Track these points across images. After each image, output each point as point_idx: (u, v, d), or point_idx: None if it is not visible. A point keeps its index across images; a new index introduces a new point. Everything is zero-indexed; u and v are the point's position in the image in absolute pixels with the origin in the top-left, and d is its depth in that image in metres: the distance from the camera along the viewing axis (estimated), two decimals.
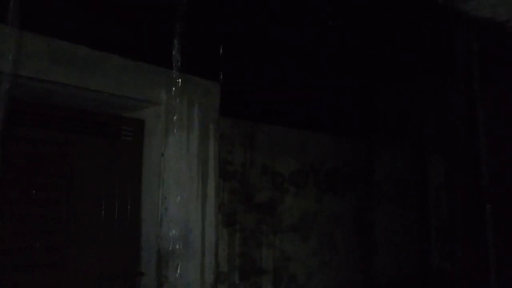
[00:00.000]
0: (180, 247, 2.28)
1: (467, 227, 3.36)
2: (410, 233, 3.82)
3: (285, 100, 3.00)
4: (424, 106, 3.91)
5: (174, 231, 2.28)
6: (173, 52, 2.28)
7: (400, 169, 3.78)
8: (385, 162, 3.66)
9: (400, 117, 3.84)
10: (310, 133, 3.11)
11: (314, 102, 3.19)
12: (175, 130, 2.32)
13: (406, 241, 3.78)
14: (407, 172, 3.83)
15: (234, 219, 2.64)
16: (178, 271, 2.27)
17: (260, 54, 2.85)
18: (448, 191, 3.86)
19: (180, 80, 2.35)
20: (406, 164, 3.84)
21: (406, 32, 2.76)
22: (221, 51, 2.62)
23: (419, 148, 3.89)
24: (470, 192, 3.19)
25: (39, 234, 1.98)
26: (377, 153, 3.60)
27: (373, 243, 3.52)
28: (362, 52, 3.31)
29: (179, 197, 2.30)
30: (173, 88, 2.32)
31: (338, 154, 3.31)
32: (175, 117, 2.33)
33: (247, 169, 2.73)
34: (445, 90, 3.74)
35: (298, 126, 3.04)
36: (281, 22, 2.88)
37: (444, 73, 3.45)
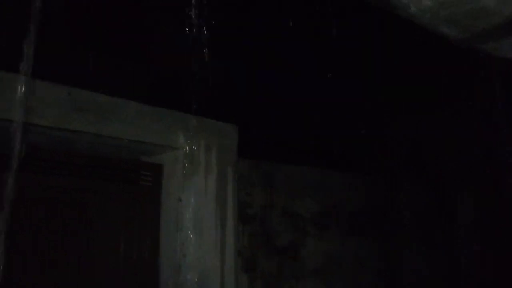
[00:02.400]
0: None
1: (499, 271, 3.17)
2: (439, 275, 3.63)
3: (304, 139, 2.97)
4: (447, 140, 3.80)
5: (193, 278, 2.22)
6: (190, 97, 2.30)
7: (426, 208, 3.64)
8: (410, 201, 3.54)
9: (423, 152, 3.74)
10: (331, 172, 3.05)
11: (334, 140, 3.14)
12: (192, 174, 2.31)
13: (434, 285, 3.58)
14: (433, 210, 3.69)
15: (255, 264, 2.56)
16: None
17: (276, 96, 2.85)
18: (477, 231, 3.68)
19: (197, 124, 2.36)
20: (432, 202, 3.70)
21: (425, 70, 2.73)
22: (238, 94, 2.63)
23: (445, 185, 3.75)
24: (501, 231, 3.03)
25: (57, 282, 1.95)
26: (401, 191, 3.49)
27: (400, 287, 3.35)
28: (380, 88, 3.27)
29: (197, 243, 2.25)
30: (191, 132, 2.32)
31: (361, 193, 3.22)
32: (192, 161, 2.32)
33: (267, 211, 2.67)
34: (468, 122, 3.64)
35: (318, 165, 2.99)
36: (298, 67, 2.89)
37: (465, 104, 3.37)
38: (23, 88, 1.58)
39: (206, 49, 2.52)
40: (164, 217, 2.29)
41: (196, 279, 2.21)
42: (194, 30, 2.49)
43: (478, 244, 3.64)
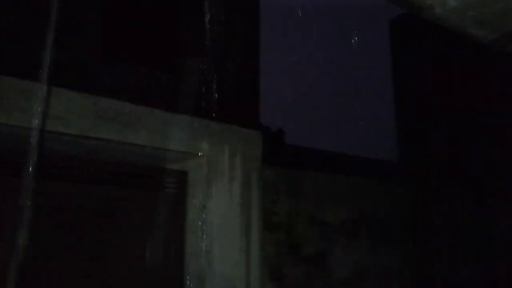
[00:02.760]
0: None
1: None
2: (472, 285, 3.47)
3: (330, 145, 2.91)
4: (484, 148, 3.65)
5: (218, 286, 2.20)
6: (214, 104, 2.30)
7: (460, 216, 3.50)
8: (443, 209, 3.41)
9: (460, 160, 3.60)
10: (360, 179, 2.97)
11: (361, 147, 3.07)
12: (217, 182, 2.30)
13: None
14: (468, 218, 3.54)
15: (281, 273, 2.52)
16: None
17: (303, 101, 2.82)
18: None
19: (221, 130, 2.35)
20: (466, 210, 3.55)
21: (458, 75, 2.63)
22: (262, 100, 2.61)
23: (479, 192, 3.59)
24: None
25: None
26: (434, 199, 3.37)
27: None
28: (416, 97, 3.19)
29: (222, 251, 2.23)
30: (215, 139, 2.32)
31: (392, 201, 3.12)
32: (217, 168, 2.31)
33: (293, 219, 2.63)
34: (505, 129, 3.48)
35: (346, 172, 2.92)
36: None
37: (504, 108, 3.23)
38: (43, 96, 1.61)
39: (231, 58, 2.52)
40: (188, 224, 2.29)
41: None
42: (218, 39, 2.49)
43: None
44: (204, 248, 2.21)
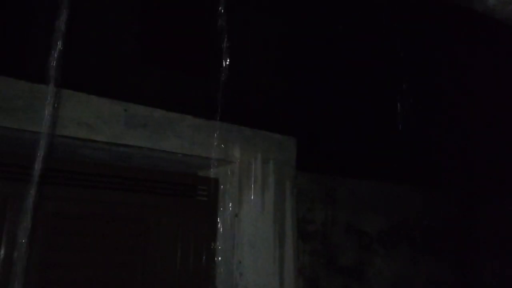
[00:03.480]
0: None
1: None
2: None
3: (369, 151, 2.78)
4: None
5: None
6: (246, 109, 2.23)
7: (507, 224, 3.26)
8: (489, 217, 3.18)
9: (506, 167, 3.36)
10: (400, 186, 2.82)
11: (403, 153, 2.91)
12: (249, 189, 2.22)
13: None
14: None
15: (317, 284, 2.41)
16: None
17: (340, 104, 2.70)
18: None
19: (253, 136, 2.28)
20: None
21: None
22: (297, 104, 2.52)
23: None
24: None
25: None
26: (479, 206, 3.15)
27: None
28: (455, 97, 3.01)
29: (255, 261, 2.15)
30: (247, 145, 2.25)
31: (435, 210, 2.94)
32: (249, 175, 2.24)
33: (329, 228, 2.51)
34: None
35: (386, 179, 2.77)
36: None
37: None
38: (67, 103, 1.58)
39: (264, 61, 2.44)
40: (220, 233, 2.22)
41: None
42: (252, 43, 2.42)
43: None
44: (236, 257, 2.14)
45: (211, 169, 2.30)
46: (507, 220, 3.25)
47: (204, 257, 2.19)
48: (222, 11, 2.31)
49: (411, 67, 2.90)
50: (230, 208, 2.21)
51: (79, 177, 1.96)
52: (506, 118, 3.27)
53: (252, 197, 2.22)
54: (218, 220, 2.25)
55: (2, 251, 1.74)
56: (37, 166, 1.55)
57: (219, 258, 2.20)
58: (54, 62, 1.62)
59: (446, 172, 3.08)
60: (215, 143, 2.16)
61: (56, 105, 1.71)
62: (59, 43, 1.63)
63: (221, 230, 2.22)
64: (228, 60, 2.30)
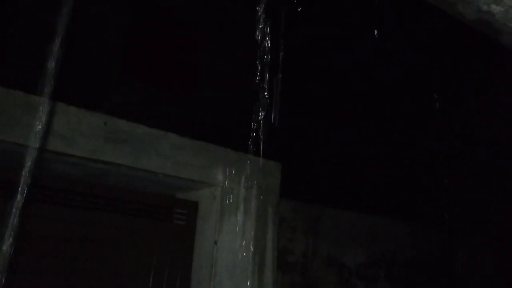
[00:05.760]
0: None
1: None
2: None
3: (353, 182, 2.73)
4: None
5: None
6: (231, 131, 2.14)
7: (486, 262, 3.26)
8: (469, 253, 3.18)
9: (486, 204, 3.39)
10: (381, 219, 2.77)
11: (386, 185, 2.88)
12: (230, 215, 2.11)
13: None
14: (495, 265, 3.30)
15: None
16: None
17: (326, 132, 2.65)
18: None
19: (238, 159, 2.19)
20: (494, 256, 3.31)
21: None
22: (283, 129, 2.45)
23: (508, 238, 3.37)
24: None
25: None
26: (459, 242, 3.14)
27: None
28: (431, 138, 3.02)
29: None
30: (230, 169, 2.15)
31: (415, 244, 2.90)
32: (231, 200, 2.13)
33: (309, 260, 2.42)
34: None
35: (368, 211, 2.72)
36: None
37: None
38: (47, 112, 1.46)
39: (251, 85, 2.38)
40: (197, 261, 2.09)
41: None
42: (242, 65, 2.36)
43: None
44: (212, 286, 2.00)
45: (191, 192, 2.19)
46: (487, 256, 3.25)
47: (178, 284, 2.04)
48: (210, 34, 2.24)
49: (402, 96, 2.91)
50: (209, 235, 2.08)
51: (48, 193, 1.80)
52: (491, 157, 3.32)
53: (233, 224, 2.11)
54: (195, 246, 2.12)
55: None
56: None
57: (194, 286, 2.06)
58: (33, 69, 1.49)
59: (428, 207, 3.06)
60: (198, 165, 2.05)
61: (31, 114, 1.57)
62: (38, 51, 1.51)
63: (198, 257, 2.09)
64: (215, 82, 2.23)
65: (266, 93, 2.46)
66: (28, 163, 1.50)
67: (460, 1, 0.73)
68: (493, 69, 2.68)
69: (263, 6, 2.08)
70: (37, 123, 1.60)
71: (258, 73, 2.44)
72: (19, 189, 1.66)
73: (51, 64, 1.51)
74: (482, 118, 3.18)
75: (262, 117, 2.40)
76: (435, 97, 2.80)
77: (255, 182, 2.22)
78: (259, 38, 2.07)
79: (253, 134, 2.33)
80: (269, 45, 2.45)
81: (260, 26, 2.12)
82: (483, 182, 3.32)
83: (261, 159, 2.25)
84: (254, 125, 2.35)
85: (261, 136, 2.35)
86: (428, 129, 3.06)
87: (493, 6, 0.72)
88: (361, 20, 2.76)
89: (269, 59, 2.49)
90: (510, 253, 3.38)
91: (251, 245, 2.14)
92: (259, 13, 2.10)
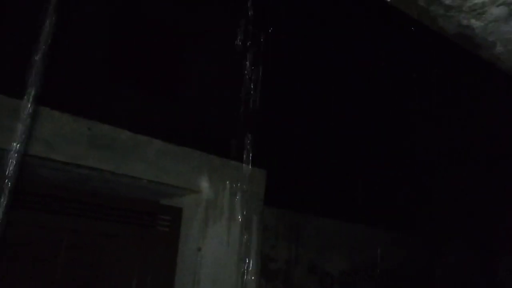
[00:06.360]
0: None
1: None
2: None
3: (337, 190, 2.75)
4: (495, 203, 3.52)
5: None
6: (216, 137, 2.14)
7: (467, 271, 3.32)
8: (449, 263, 3.23)
9: (468, 212, 3.46)
10: (363, 227, 2.80)
11: (368, 194, 2.91)
12: (214, 222, 2.11)
13: None
14: (475, 274, 3.36)
15: None
16: None
17: (311, 140, 2.68)
18: None
19: (223, 166, 2.19)
20: (474, 265, 3.38)
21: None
22: (268, 136, 2.47)
23: (488, 247, 3.44)
24: None
25: None
26: (439, 251, 3.19)
27: None
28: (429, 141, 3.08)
29: None
30: (215, 175, 2.15)
31: (395, 252, 2.94)
32: (215, 207, 2.13)
33: (292, 267, 2.43)
34: None
35: (351, 219, 2.75)
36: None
37: None
38: (30, 116, 1.44)
39: (237, 91, 2.39)
40: (180, 267, 2.08)
41: None
42: (227, 72, 2.37)
43: None
44: None
45: (176, 198, 2.18)
46: (467, 264, 3.31)
47: None
48: (197, 38, 2.25)
49: (386, 105, 2.96)
50: (193, 241, 2.08)
51: (29, 198, 1.77)
52: (472, 167, 3.39)
53: (217, 231, 2.11)
54: (179, 253, 2.11)
55: None
56: None
57: None
58: (17, 72, 1.47)
59: (410, 215, 3.11)
60: (183, 171, 2.05)
61: (14, 118, 1.54)
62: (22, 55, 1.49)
63: (181, 264, 2.08)
64: (201, 87, 2.23)
65: (251, 101, 2.47)
66: (10, 168, 1.48)
67: (441, 15, 0.76)
68: (473, 82, 2.76)
69: (248, 13, 2.10)
70: (20, 127, 1.58)
71: (244, 81, 2.46)
72: (0, 194, 1.63)
73: (35, 68, 1.50)
74: (462, 128, 3.26)
75: (248, 124, 2.41)
76: (417, 108, 2.86)
77: (239, 189, 2.23)
78: (245, 44, 2.08)
79: (238, 141, 2.34)
80: (255, 51, 2.47)
81: (245, 33, 2.14)
82: (465, 191, 3.39)
83: (246, 166, 2.26)
84: (239, 132, 2.36)
85: (247, 143, 2.36)
86: (411, 139, 3.12)
87: (473, 21, 0.75)
88: (345, 32, 2.81)
89: (254, 67, 2.51)
90: (491, 260, 3.45)
91: (235, 253, 2.14)
92: (244, 20, 2.12)
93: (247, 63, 2.39)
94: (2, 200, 1.64)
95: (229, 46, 2.36)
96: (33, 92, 1.65)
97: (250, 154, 2.33)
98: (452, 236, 3.34)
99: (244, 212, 2.20)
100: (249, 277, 2.15)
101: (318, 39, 2.73)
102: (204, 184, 2.12)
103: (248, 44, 2.12)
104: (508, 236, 3.47)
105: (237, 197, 2.20)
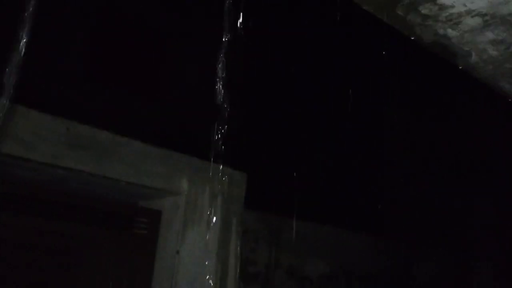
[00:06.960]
0: None
1: None
2: None
3: (317, 194, 2.76)
4: (468, 208, 3.58)
5: None
6: (197, 139, 2.13)
7: (443, 276, 3.36)
8: (426, 267, 3.27)
9: (444, 217, 3.51)
10: (343, 231, 2.81)
11: (349, 198, 2.93)
12: (194, 225, 2.10)
13: None
14: (450, 279, 3.41)
15: None
16: None
17: (292, 143, 2.68)
18: None
19: (203, 168, 2.17)
20: (450, 270, 3.42)
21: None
22: (249, 138, 2.46)
23: (464, 252, 3.49)
24: None
25: None
26: (417, 256, 3.23)
27: None
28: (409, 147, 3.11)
29: None
30: (195, 178, 2.13)
31: (374, 256, 2.96)
32: (195, 210, 2.11)
33: (271, 270, 2.42)
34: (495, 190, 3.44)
35: (330, 222, 2.76)
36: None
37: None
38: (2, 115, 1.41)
39: (218, 91, 2.38)
40: (158, 271, 2.06)
41: None
42: (208, 71, 2.36)
43: None
44: None
45: (154, 200, 2.15)
46: (447, 270, 3.35)
47: None
48: (179, 39, 2.23)
49: (363, 112, 2.98)
50: (172, 245, 2.06)
51: (2, 198, 1.73)
52: (450, 174, 3.44)
53: (196, 234, 2.09)
54: (157, 257, 2.09)
55: None
56: None
57: None
58: None
59: (390, 220, 3.13)
60: (162, 173, 2.03)
61: None
62: None
63: (159, 268, 2.05)
64: (182, 88, 2.21)
65: (233, 103, 2.46)
66: None
67: (418, 24, 0.76)
68: (449, 89, 2.81)
69: (229, 14, 2.10)
70: None
71: (226, 83, 2.45)
72: None
73: (11, 66, 1.46)
74: (437, 136, 3.31)
75: (229, 126, 2.40)
76: (394, 114, 2.90)
77: (220, 191, 2.21)
78: (225, 46, 2.08)
79: (219, 143, 2.33)
80: (237, 53, 2.46)
81: (227, 34, 2.13)
82: (445, 197, 3.44)
83: (226, 168, 2.25)
84: (220, 134, 2.35)
85: (227, 145, 2.35)
86: (389, 144, 3.15)
87: (449, 31, 0.76)
88: (324, 39, 2.82)
89: (237, 69, 2.50)
90: (470, 266, 3.50)
91: (214, 256, 2.13)
92: (225, 21, 2.11)
93: (229, 65, 2.38)
94: None
95: (211, 47, 2.35)
96: (9, 91, 1.61)
97: (231, 157, 2.32)
98: (433, 242, 3.38)
99: (224, 215, 2.19)
100: (228, 281, 2.14)
101: (301, 43, 2.74)
102: (184, 187, 2.10)
103: (230, 45, 2.11)
104: (487, 242, 3.53)
105: (217, 200, 2.19)
